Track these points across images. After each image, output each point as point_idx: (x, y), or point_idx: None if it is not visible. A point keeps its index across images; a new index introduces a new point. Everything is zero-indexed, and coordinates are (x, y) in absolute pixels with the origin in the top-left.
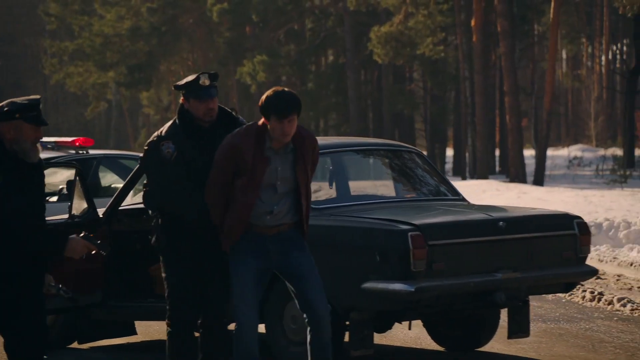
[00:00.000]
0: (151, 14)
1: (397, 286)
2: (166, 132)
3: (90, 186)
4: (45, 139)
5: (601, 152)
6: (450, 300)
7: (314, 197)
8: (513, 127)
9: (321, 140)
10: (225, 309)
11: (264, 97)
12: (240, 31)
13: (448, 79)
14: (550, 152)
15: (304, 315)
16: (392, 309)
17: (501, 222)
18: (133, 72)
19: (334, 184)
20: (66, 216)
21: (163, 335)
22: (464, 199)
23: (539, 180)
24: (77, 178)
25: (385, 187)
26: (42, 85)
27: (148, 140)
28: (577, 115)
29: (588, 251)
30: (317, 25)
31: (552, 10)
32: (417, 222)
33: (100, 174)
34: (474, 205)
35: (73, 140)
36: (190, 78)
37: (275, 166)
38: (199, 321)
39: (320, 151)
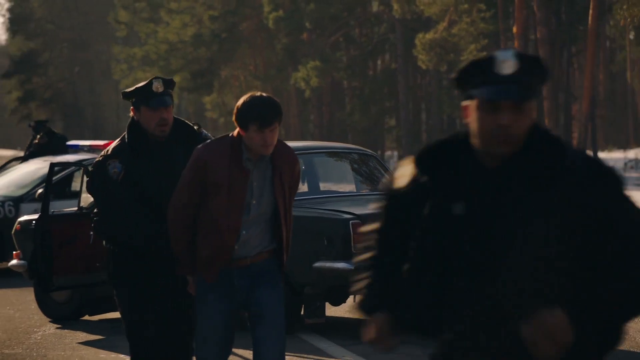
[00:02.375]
0: (212, 21)
1: (341, 265)
2: (113, 149)
3: None
4: (81, 142)
5: None
6: None
7: None
8: (552, 130)
9: (295, 144)
10: (191, 343)
11: (240, 103)
12: (297, 37)
13: None
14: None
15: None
16: (337, 285)
17: None
18: (196, 78)
19: (305, 181)
20: (75, 208)
21: None
22: None
23: None
24: (84, 176)
25: (348, 184)
26: (114, 90)
27: (95, 160)
28: None
29: None
30: (371, 32)
31: (590, 19)
32: (358, 212)
33: None
34: None
35: (105, 144)
36: (141, 84)
37: (252, 181)
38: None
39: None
